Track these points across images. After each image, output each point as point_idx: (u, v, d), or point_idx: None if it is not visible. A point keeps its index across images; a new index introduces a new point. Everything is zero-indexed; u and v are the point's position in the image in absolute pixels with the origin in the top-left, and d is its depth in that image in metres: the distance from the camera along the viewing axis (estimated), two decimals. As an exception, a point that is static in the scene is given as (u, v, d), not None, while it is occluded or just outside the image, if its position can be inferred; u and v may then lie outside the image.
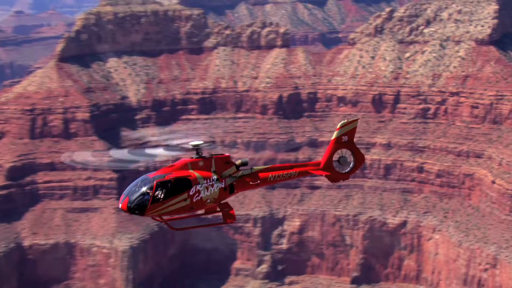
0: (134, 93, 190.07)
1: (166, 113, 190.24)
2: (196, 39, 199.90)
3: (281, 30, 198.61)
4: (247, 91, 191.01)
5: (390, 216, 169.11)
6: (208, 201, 35.47)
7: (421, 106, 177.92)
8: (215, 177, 35.69)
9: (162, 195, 34.44)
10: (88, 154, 37.58)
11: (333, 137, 36.63)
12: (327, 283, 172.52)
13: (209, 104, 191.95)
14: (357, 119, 37.18)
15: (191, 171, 35.26)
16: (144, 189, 34.25)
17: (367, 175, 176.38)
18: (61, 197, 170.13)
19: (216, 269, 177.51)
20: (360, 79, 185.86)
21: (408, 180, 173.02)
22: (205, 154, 35.44)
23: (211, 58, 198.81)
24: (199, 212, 35.38)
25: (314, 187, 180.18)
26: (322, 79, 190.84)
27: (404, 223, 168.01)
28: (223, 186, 35.88)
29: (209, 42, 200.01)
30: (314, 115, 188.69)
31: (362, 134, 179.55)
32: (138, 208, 33.92)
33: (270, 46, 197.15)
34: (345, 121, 37.14)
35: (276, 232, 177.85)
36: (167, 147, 35.19)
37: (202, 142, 35.52)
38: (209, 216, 37.31)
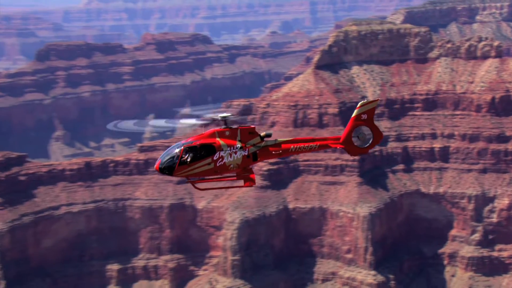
0: (371, 93, 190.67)
1: (397, 110, 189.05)
2: (422, 51, 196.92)
3: (495, 43, 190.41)
4: (464, 93, 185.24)
5: None
6: (231, 166, 32.69)
7: None
8: (239, 145, 32.83)
9: (189, 158, 32.32)
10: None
11: (353, 115, 33.58)
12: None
13: (431, 103, 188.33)
14: (377, 100, 34.82)
15: (217, 139, 32.67)
16: (174, 152, 32.42)
17: None
18: (316, 172, 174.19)
19: (435, 235, 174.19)
20: None
21: None
22: (232, 125, 32.75)
23: (434, 66, 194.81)
24: (230, 175, 33.08)
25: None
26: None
27: None
28: (246, 153, 32.98)
29: (433, 54, 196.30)
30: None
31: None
32: (167, 169, 32.39)
33: (485, 57, 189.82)
34: (365, 101, 34.32)
35: (487, 208, 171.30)
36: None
37: (230, 114, 33.08)
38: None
